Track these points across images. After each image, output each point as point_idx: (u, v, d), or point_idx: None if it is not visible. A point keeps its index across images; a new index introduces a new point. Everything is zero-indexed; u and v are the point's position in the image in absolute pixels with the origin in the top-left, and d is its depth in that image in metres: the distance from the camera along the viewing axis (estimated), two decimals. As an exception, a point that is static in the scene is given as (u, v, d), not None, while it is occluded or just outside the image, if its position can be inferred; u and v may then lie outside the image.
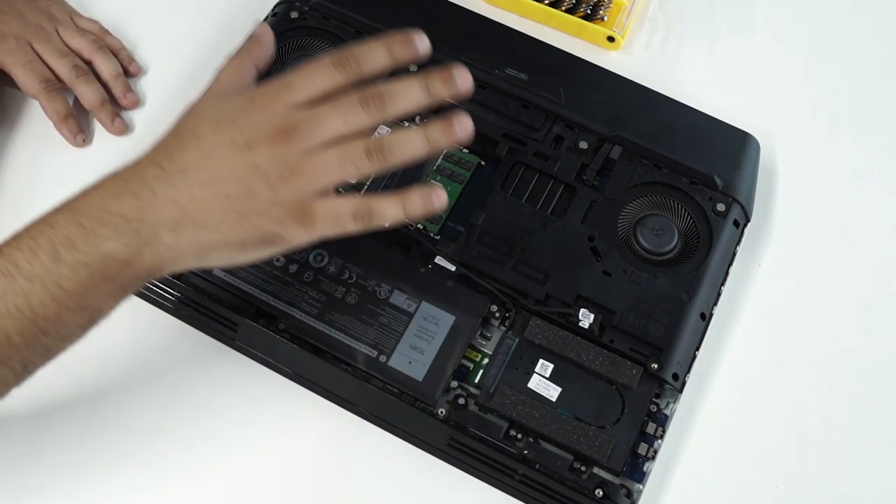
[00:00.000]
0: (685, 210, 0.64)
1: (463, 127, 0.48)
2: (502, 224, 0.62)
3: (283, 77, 0.49)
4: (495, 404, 0.56)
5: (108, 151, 0.68)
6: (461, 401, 0.57)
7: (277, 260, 0.60)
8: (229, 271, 0.59)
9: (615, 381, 0.57)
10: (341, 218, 0.47)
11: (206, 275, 0.58)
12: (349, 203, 0.47)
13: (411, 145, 0.48)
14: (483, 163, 0.65)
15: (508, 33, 0.72)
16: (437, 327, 0.58)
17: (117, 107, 0.69)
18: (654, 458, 0.56)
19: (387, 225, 0.48)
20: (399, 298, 0.59)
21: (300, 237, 0.47)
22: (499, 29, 0.72)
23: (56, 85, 0.67)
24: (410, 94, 0.48)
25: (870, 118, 0.74)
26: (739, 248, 0.64)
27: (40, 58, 0.68)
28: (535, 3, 0.75)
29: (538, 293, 0.60)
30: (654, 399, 0.58)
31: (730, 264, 0.63)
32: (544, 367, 0.58)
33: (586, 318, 0.59)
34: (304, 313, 0.58)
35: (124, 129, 0.68)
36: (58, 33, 0.69)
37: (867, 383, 0.63)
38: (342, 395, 0.59)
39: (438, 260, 0.60)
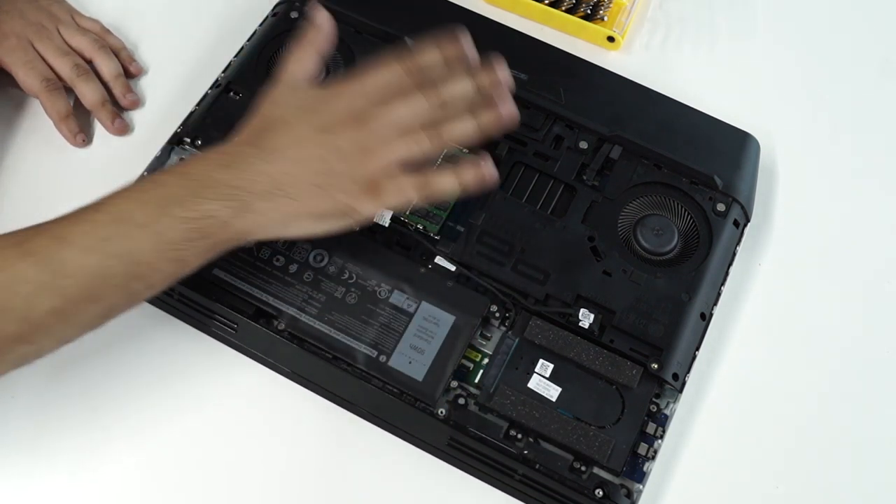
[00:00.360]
0: (685, 210, 0.64)
1: (509, 112, 0.56)
2: (502, 224, 0.62)
3: (356, 74, 0.56)
4: (495, 404, 0.56)
5: (107, 151, 0.68)
6: (461, 401, 0.57)
7: (277, 259, 0.60)
8: (229, 271, 0.59)
9: (615, 381, 0.57)
10: (405, 190, 0.54)
11: (206, 275, 0.58)
12: (412, 178, 0.54)
13: (463, 126, 0.55)
14: (483, 163, 0.65)
15: (508, 33, 0.72)
16: (437, 327, 0.58)
17: (117, 107, 0.69)
18: (654, 458, 0.56)
19: (447, 191, 0.55)
20: (399, 298, 0.59)
21: (370, 208, 0.54)
22: (499, 29, 0.72)
23: (57, 84, 0.67)
24: (458, 85, 0.56)
25: (870, 118, 0.74)
26: (739, 248, 0.64)
27: (41, 57, 0.68)
28: (535, 3, 0.75)
29: (538, 293, 0.60)
30: (654, 399, 0.58)
31: (730, 264, 0.63)
32: (544, 367, 0.58)
33: (586, 318, 0.59)
34: (304, 313, 0.58)
35: (124, 129, 0.68)
36: (59, 32, 0.69)
37: (867, 383, 0.63)
38: (342, 395, 0.59)
39: (438, 260, 0.61)
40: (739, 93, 0.74)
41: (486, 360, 0.58)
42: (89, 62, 0.69)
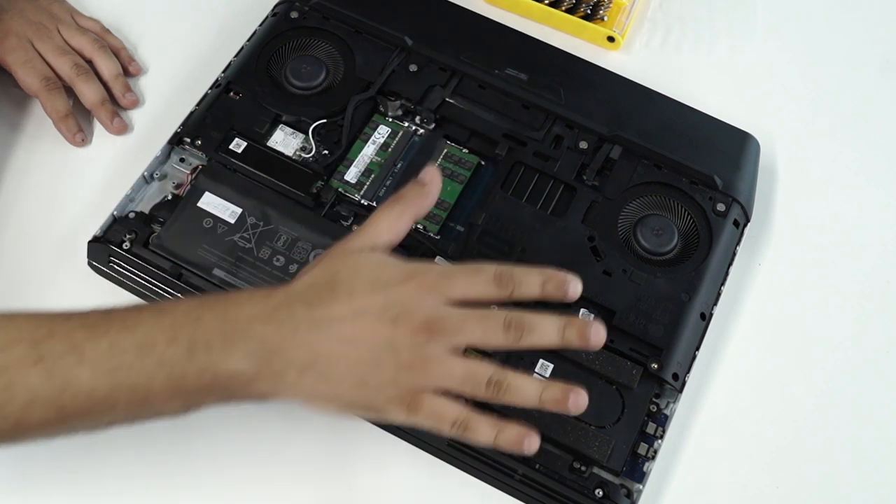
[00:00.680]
0: (685, 210, 0.64)
1: (598, 335, 0.49)
2: (502, 224, 0.62)
3: (447, 269, 0.50)
4: (495, 404, 0.56)
5: (106, 151, 0.68)
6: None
7: (277, 260, 0.60)
8: (229, 272, 0.59)
9: (615, 381, 0.57)
10: (442, 420, 0.48)
11: (206, 275, 0.58)
12: (454, 410, 0.48)
13: (527, 388, 0.48)
14: (483, 162, 0.65)
15: (508, 33, 0.72)
16: (438, 327, 0.58)
17: (117, 106, 0.69)
18: (654, 458, 0.56)
19: (479, 441, 0.48)
20: (399, 298, 0.59)
21: (399, 419, 0.48)
22: (499, 29, 0.72)
23: (56, 83, 0.67)
24: (546, 334, 0.49)
25: (870, 118, 0.74)
26: (739, 248, 0.64)
27: (41, 56, 0.68)
28: (535, 3, 0.75)
29: (538, 293, 0.59)
30: (654, 399, 0.58)
31: (730, 264, 0.63)
32: (544, 367, 0.58)
33: (586, 318, 0.59)
34: (304, 313, 0.58)
35: (123, 128, 0.68)
36: (59, 32, 0.69)
37: (867, 383, 0.63)
38: (342, 394, 0.59)
39: (438, 260, 0.60)
40: (739, 93, 0.74)
41: (486, 360, 0.58)
42: (89, 62, 0.69)
